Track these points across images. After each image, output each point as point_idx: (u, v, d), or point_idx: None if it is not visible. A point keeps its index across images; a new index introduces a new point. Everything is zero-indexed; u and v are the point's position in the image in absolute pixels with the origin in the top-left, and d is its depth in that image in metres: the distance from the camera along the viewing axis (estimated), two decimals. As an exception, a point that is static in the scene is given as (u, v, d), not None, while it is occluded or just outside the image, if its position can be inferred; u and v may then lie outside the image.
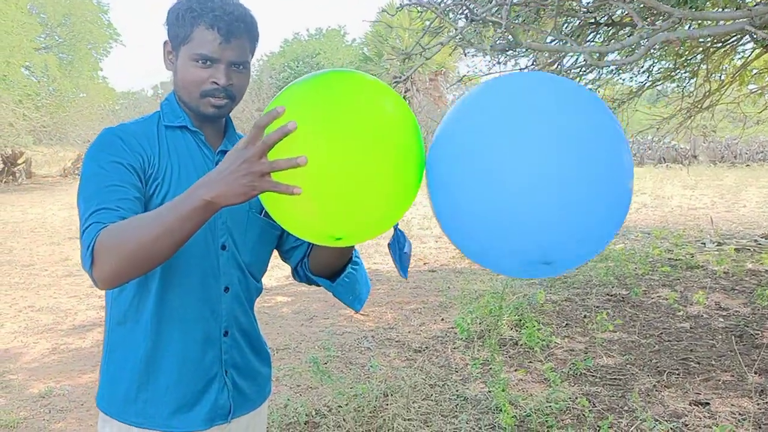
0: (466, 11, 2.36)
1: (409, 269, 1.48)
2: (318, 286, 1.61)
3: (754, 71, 7.87)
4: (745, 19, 2.02)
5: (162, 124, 1.49)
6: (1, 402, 3.98)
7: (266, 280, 1.71)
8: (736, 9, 2.51)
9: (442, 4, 2.98)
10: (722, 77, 7.56)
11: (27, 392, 4.12)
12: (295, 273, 1.65)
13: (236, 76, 1.44)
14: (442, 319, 5.51)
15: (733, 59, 7.46)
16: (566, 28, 4.52)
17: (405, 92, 24.22)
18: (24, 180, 21.29)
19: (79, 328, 5.53)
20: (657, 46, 2.33)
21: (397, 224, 1.44)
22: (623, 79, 7.64)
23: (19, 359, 4.75)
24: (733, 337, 4.72)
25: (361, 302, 1.61)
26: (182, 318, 1.45)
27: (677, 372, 4.13)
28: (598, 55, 2.59)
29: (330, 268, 1.57)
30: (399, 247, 1.43)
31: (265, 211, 1.54)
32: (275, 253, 1.68)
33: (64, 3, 20.72)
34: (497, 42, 2.12)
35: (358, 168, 1.11)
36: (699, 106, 7.67)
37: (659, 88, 7.72)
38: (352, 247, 1.54)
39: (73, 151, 24.77)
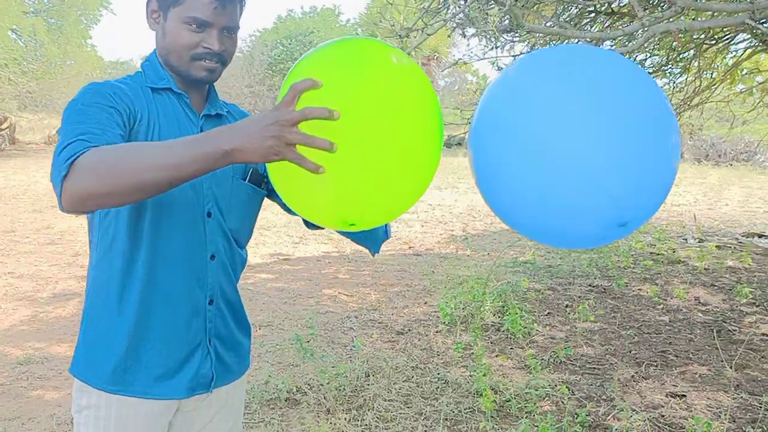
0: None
1: (394, 252, 1.47)
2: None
3: (745, 71, 7.91)
4: (745, 13, 2.02)
5: (146, 85, 1.44)
6: (-21, 367, 3.94)
7: (250, 258, 1.69)
8: (739, 1, 2.51)
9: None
10: (713, 75, 7.59)
11: (5, 359, 4.09)
12: (306, 222, 1.55)
13: (228, 41, 1.41)
14: (426, 303, 5.52)
15: (725, 58, 7.49)
16: (564, 15, 4.51)
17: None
18: (7, 146, 20.98)
19: (59, 296, 5.48)
20: (658, 35, 2.32)
21: None
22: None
23: (-2, 325, 4.71)
24: (711, 332, 4.78)
25: (379, 245, 1.56)
26: (167, 286, 1.42)
27: (656, 364, 4.18)
28: (596, 42, 2.59)
29: None
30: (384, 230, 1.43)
31: (250, 177, 1.52)
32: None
33: (54, -33, 20.36)
34: (500, 22, 2.10)
35: (385, 153, 1.09)
36: (688, 103, 7.70)
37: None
38: None
39: (59, 118, 24.36)
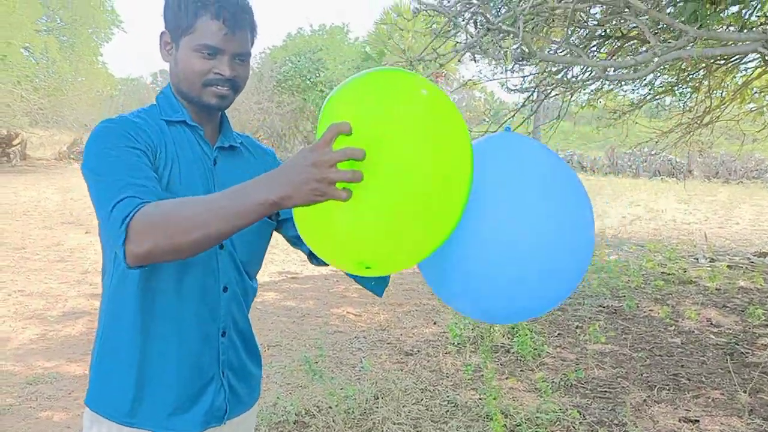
0: (481, 19, 2.35)
1: (403, 271, 1.48)
2: None
3: (755, 90, 7.89)
4: (758, 42, 2.01)
5: (161, 118, 1.45)
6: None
7: (259, 276, 1.68)
8: (751, 29, 2.50)
9: (455, 8, 2.96)
10: (723, 94, 7.58)
11: (14, 379, 4.08)
12: (311, 258, 1.58)
13: (239, 68, 1.42)
14: (435, 323, 5.50)
15: (735, 77, 7.48)
16: (574, 38, 4.52)
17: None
18: (18, 162, 21.15)
19: (68, 314, 5.49)
20: (671, 61, 2.32)
21: None
22: (625, 91, 7.65)
23: (7, 345, 4.71)
24: (724, 355, 4.73)
25: (384, 287, 1.55)
26: (180, 317, 1.42)
27: (668, 387, 4.13)
28: (608, 69, 2.59)
29: None
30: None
31: None
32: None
33: (67, -15, 20.61)
34: (513, 51, 2.11)
35: (413, 191, 1.06)
36: (699, 121, 7.68)
37: (659, 101, 7.74)
38: None
39: (70, 135, 24.63)
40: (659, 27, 3.01)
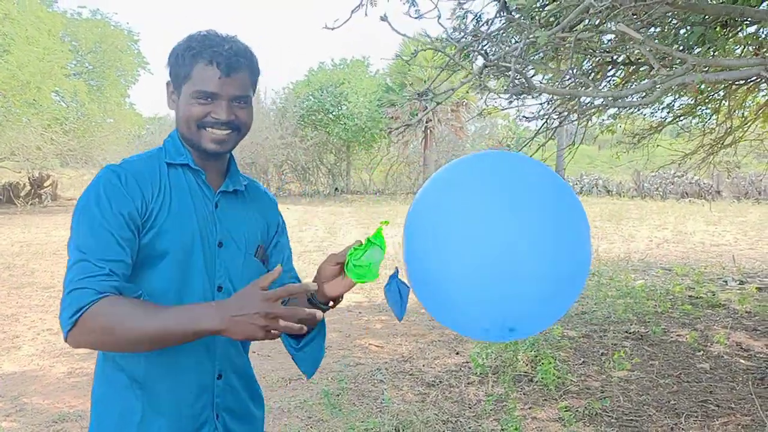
0: (483, 53, 2.40)
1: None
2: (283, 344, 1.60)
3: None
4: (760, 66, 2.02)
5: (164, 161, 1.49)
6: (15, 426, 4.00)
7: None
8: (755, 51, 2.51)
9: (460, 42, 3.02)
10: (745, 114, 7.51)
11: (41, 416, 4.15)
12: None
13: (239, 111, 1.45)
14: (458, 353, 5.46)
15: (756, 96, 7.41)
16: (586, 63, 4.54)
17: (427, 122, 24.34)
18: (49, 202, 21.66)
19: (94, 352, 5.56)
20: (675, 87, 2.33)
21: (397, 272, 1.46)
22: (644, 114, 7.62)
23: (35, 383, 4.79)
24: (754, 380, 4.62)
25: (316, 369, 1.62)
26: (176, 363, 1.43)
27: (696, 415, 4.05)
28: (610, 100, 2.61)
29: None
30: (401, 297, 1.46)
31: (257, 252, 1.57)
32: None
33: (95, 31, 21.25)
34: (511, 86, 2.15)
35: None
36: (721, 142, 7.61)
37: (681, 123, 7.69)
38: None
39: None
40: (667, 53, 3.03)
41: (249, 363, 1.61)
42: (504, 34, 3.19)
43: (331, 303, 1.52)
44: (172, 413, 1.44)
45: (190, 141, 1.48)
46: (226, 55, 1.41)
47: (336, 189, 26.20)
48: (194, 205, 1.48)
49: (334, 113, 24.74)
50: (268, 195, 1.70)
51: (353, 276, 1.43)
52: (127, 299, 1.31)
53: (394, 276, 1.46)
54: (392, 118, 23.44)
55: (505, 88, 2.26)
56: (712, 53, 3.41)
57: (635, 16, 2.57)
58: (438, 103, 2.87)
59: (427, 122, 24.20)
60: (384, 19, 2.33)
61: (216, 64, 1.41)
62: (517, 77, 2.04)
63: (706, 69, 2.20)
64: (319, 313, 1.29)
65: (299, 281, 1.66)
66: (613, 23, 2.44)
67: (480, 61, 2.55)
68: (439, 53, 3.51)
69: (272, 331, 1.23)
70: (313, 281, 1.50)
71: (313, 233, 13.96)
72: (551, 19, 3.48)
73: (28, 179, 21.73)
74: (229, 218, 1.53)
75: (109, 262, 1.32)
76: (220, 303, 1.26)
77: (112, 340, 1.27)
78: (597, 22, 2.90)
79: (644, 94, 2.38)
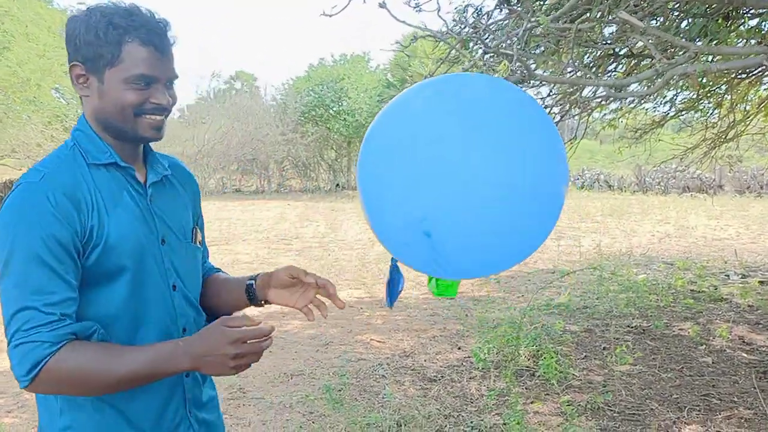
0: (483, 43, 2.38)
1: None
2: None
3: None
4: (763, 55, 2.00)
5: (86, 162, 1.32)
6: (17, 422, 4.00)
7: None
8: (758, 43, 2.49)
9: (461, 34, 3.01)
10: (747, 108, 7.48)
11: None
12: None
13: (171, 93, 1.34)
14: (459, 348, 5.45)
15: (758, 90, 7.38)
16: (586, 58, 4.52)
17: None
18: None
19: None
20: (676, 78, 2.32)
21: (395, 262, 1.45)
22: (646, 109, 7.59)
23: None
24: (757, 374, 4.60)
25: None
26: None
27: (698, 408, 4.03)
28: (612, 89, 2.59)
29: (222, 306, 1.57)
30: (393, 285, 1.45)
31: (194, 236, 1.52)
32: None
33: (95, 27, 21.17)
34: (511, 74, 2.13)
35: None
36: (724, 136, 7.58)
37: (683, 117, 7.66)
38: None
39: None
40: (670, 44, 3.01)
41: None
42: (504, 26, 3.16)
43: (264, 302, 1.53)
44: (150, 422, 1.38)
45: (118, 130, 1.32)
46: (160, 34, 1.28)
47: (337, 185, 26.18)
48: (131, 207, 1.34)
49: (334, 109, 24.70)
50: (184, 168, 1.58)
51: (436, 290, 1.44)
52: (87, 344, 1.23)
53: (392, 263, 1.45)
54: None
55: (505, 76, 2.25)
56: (714, 46, 3.39)
57: (636, 6, 2.56)
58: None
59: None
60: (383, 6, 2.31)
61: (153, 45, 1.27)
62: (518, 65, 2.02)
63: (709, 58, 2.19)
64: (266, 329, 1.26)
65: (207, 254, 1.66)
66: (614, 13, 2.42)
67: (481, 53, 2.54)
68: (439, 46, 3.49)
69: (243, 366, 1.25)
70: (260, 280, 1.49)
71: (314, 229, 13.96)
72: (552, 11, 3.46)
73: (29, 176, 21.70)
74: (164, 211, 1.42)
75: (57, 306, 1.20)
76: (187, 342, 1.25)
77: (80, 390, 1.25)
78: (598, 14, 2.88)
79: (647, 85, 2.36)
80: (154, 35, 1.27)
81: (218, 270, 1.67)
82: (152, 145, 1.45)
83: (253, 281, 1.51)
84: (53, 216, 1.22)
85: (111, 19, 1.25)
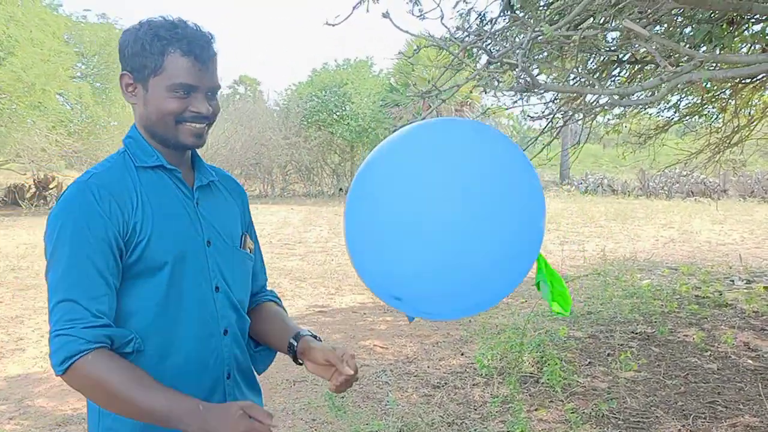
0: (487, 50, 2.37)
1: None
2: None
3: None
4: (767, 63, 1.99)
5: (133, 165, 1.40)
6: (19, 429, 4.00)
7: (288, 310, 1.71)
8: (763, 49, 2.48)
9: (464, 41, 3.00)
10: (751, 112, 7.46)
11: (45, 419, 4.14)
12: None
13: (212, 103, 1.40)
14: (463, 354, 5.43)
15: (763, 94, 7.36)
16: (591, 63, 4.51)
17: (431, 122, 24.23)
18: (54, 204, 21.66)
19: (99, 354, 5.55)
20: (681, 85, 2.31)
21: None
22: (650, 114, 7.58)
23: (39, 385, 4.78)
24: (763, 380, 4.57)
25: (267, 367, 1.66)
26: (187, 370, 1.40)
27: (703, 416, 4.01)
28: (615, 98, 2.58)
29: (263, 340, 1.61)
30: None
31: (243, 242, 1.55)
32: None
33: (101, 34, 21.26)
34: (515, 83, 2.12)
35: None
36: (728, 141, 7.56)
37: (687, 122, 7.64)
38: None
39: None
40: (675, 50, 3.00)
41: (248, 358, 1.59)
42: (508, 33, 3.16)
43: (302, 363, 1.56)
44: None
45: (162, 137, 1.39)
46: (201, 45, 1.35)
47: (340, 189, 26.17)
48: (176, 207, 1.41)
49: (337, 113, 24.72)
50: (233, 179, 1.65)
51: (557, 308, 1.45)
52: (120, 361, 1.28)
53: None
54: (396, 118, 23.41)
55: (509, 86, 2.24)
56: (719, 51, 3.37)
57: (641, 14, 2.54)
58: (443, 101, 2.85)
59: (431, 122, 24.08)
60: (386, 15, 2.31)
61: (194, 55, 1.33)
62: (522, 74, 2.01)
63: (714, 66, 2.17)
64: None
65: (264, 272, 1.69)
66: (618, 20, 2.41)
67: (484, 59, 2.53)
68: (443, 53, 3.48)
69: None
70: (301, 345, 1.51)
71: (318, 233, 13.95)
72: (556, 17, 3.46)
73: (33, 181, 21.77)
74: (211, 213, 1.48)
75: (95, 300, 1.27)
76: (207, 408, 1.26)
77: (100, 401, 1.29)
78: (602, 20, 2.87)
79: (651, 92, 2.35)
80: (196, 46, 1.34)
81: (271, 296, 1.69)
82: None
83: (296, 342, 1.54)
84: (98, 212, 1.30)
85: (156, 32, 1.33)
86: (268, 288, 1.72)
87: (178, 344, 1.39)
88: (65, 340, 1.23)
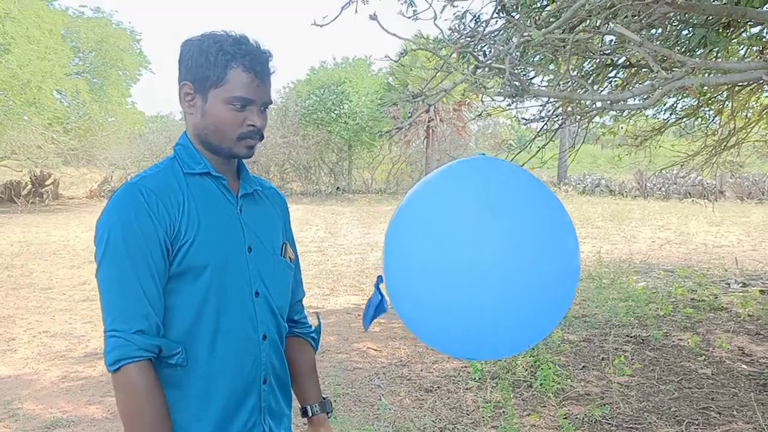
0: (480, 53, 2.34)
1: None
2: None
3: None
4: (762, 70, 1.96)
5: (182, 171, 1.45)
6: None
7: None
8: (759, 52, 2.45)
9: (457, 43, 2.97)
10: (748, 115, 7.43)
11: (33, 422, 4.10)
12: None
13: (265, 117, 1.47)
14: (456, 358, 5.40)
15: (760, 97, 7.34)
16: (586, 65, 4.48)
17: (429, 121, 24.27)
18: (51, 201, 21.64)
19: (90, 355, 5.52)
20: (674, 90, 2.28)
21: (379, 281, 1.47)
22: (646, 116, 7.54)
23: (29, 387, 4.74)
24: (757, 386, 4.55)
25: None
26: (223, 371, 1.43)
27: (697, 422, 3.98)
28: (607, 103, 2.55)
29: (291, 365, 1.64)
30: (371, 307, 1.47)
31: (284, 250, 1.58)
32: None
33: (97, 30, 21.22)
34: (504, 88, 2.09)
35: None
36: (725, 143, 7.53)
37: (684, 124, 7.61)
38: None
39: (100, 173, 25.18)
40: (664, 56, 2.97)
41: (285, 365, 1.60)
42: (502, 35, 3.13)
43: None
44: (222, 422, 1.45)
45: (215, 146, 1.45)
46: (262, 62, 1.42)
47: (338, 188, 26.15)
48: (221, 212, 1.46)
49: (335, 112, 24.69)
50: (275, 190, 1.70)
51: None
52: (160, 392, 1.34)
53: (376, 285, 1.48)
54: (394, 117, 23.39)
55: (499, 90, 2.21)
56: (715, 55, 3.34)
57: (635, 17, 2.51)
58: (430, 105, 2.82)
59: (429, 121, 24.11)
60: (374, 18, 2.28)
61: (254, 71, 1.40)
62: (511, 79, 1.99)
63: (707, 72, 2.15)
64: None
65: (302, 287, 1.74)
66: (611, 24, 2.38)
67: (473, 67, 2.50)
68: (433, 57, 3.45)
69: None
70: (315, 420, 1.68)
71: (314, 233, 13.92)
72: (551, 19, 3.42)
73: (30, 178, 21.72)
74: (254, 221, 1.52)
75: (147, 302, 1.33)
76: None
77: (123, 411, 1.33)
78: (597, 23, 2.84)
79: (644, 96, 2.34)
80: (257, 63, 1.41)
81: (310, 334, 1.74)
82: None
83: (311, 414, 1.68)
84: (146, 212, 1.35)
85: (221, 46, 1.39)
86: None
87: (217, 345, 1.42)
88: (119, 343, 1.30)
